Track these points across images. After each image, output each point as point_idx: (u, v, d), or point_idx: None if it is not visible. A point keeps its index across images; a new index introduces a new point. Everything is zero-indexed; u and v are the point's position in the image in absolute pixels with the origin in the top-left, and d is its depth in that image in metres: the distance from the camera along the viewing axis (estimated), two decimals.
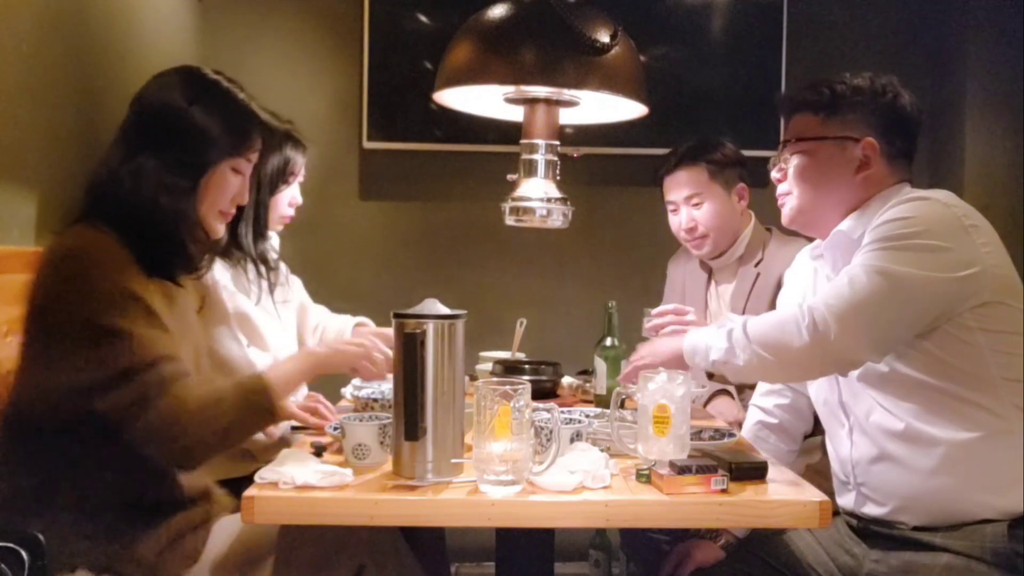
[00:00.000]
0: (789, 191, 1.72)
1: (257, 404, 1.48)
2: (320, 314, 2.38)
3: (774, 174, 1.76)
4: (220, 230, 1.62)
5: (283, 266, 2.30)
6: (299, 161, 2.14)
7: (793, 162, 1.70)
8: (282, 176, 2.10)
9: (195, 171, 1.53)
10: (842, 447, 1.69)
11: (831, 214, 1.67)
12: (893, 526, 1.59)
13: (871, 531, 1.64)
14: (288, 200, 2.17)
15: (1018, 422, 1.51)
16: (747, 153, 2.46)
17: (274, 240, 2.25)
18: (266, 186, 2.03)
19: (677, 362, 1.65)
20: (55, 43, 1.88)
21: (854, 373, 1.62)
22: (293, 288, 2.35)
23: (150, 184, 1.48)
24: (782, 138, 1.76)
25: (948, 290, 1.49)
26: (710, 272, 2.49)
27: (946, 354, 1.51)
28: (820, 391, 1.75)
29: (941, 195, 1.57)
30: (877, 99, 1.66)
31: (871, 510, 1.63)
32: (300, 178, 2.21)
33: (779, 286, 2.31)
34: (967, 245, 1.51)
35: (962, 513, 1.51)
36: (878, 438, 1.59)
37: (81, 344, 1.38)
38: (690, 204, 2.40)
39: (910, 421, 1.54)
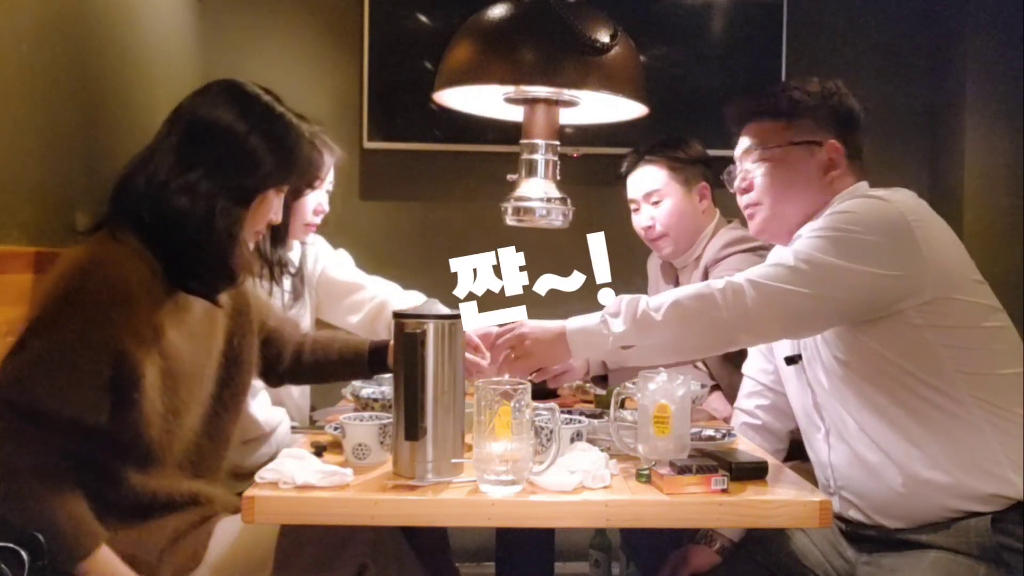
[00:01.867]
0: (758, 201, 1.72)
1: None
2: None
3: (737, 183, 1.76)
4: (251, 247, 1.62)
5: (312, 276, 2.27)
6: (325, 165, 2.08)
7: (760, 170, 1.71)
8: (306, 180, 2.07)
9: (248, 195, 1.52)
10: (821, 452, 1.69)
11: (799, 218, 1.68)
12: (878, 529, 1.60)
13: (859, 535, 1.64)
14: (314, 207, 2.12)
15: (980, 414, 1.51)
16: None
17: (296, 253, 2.21)
18: (289, 191, 1.99)
19: (558, 352, 1.64)
20: (55, 43, 1.88)
21: (824, 378, 1.63)
22: (327, 277, 2.30)
23: (204, 204, 1.47)
24: (741, 148, 1.76)
25: (876, 284, 1.50)
26: (676, 273, 2.47)
27: (897, 355, 1.53)
28: (796, 395, 1.76)
29: (891, 193, 1.59)
30: (829, 102, 1.69)
31: (855, 515, 1.64)
32: (329, 186, 2.17)
33: (705, 274, 2.29)
34: (905, 243, 1.52)
35: (942, 510, 1.52)
36: (851, 442, 1.60)
37: (94, 387, 1.37)
38: (650, 202, 2.38)
39: (877, 424, 1.56)
